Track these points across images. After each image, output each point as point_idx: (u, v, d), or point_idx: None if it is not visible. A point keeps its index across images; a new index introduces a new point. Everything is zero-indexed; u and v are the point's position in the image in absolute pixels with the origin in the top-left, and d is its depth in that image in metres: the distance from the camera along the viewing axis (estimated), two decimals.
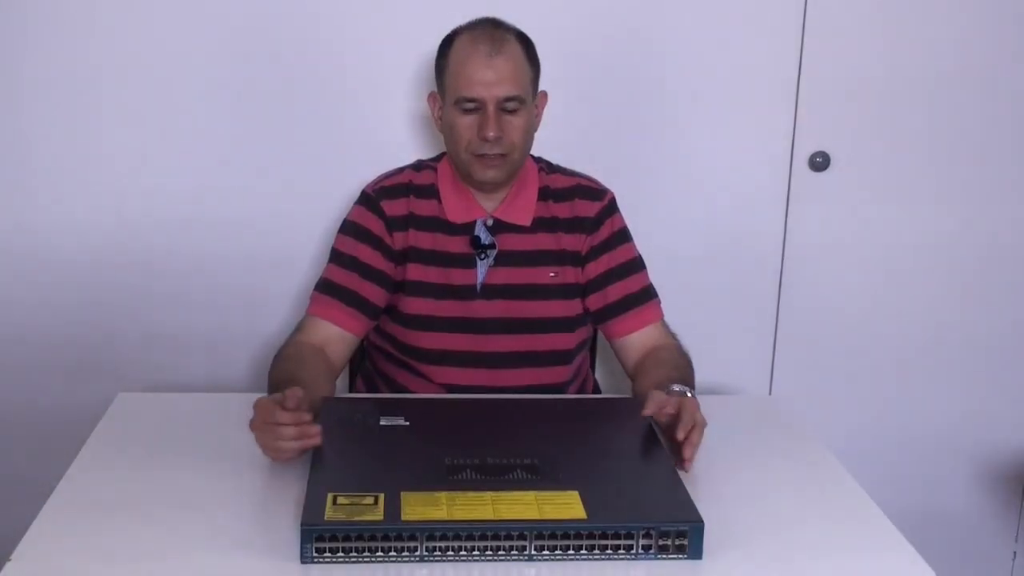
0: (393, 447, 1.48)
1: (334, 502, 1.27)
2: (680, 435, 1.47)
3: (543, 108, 1.87)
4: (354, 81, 2.25)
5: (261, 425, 1.46)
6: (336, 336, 1.80)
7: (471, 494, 1.31)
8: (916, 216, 2.41)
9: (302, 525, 1.24)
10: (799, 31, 2.28)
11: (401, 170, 1.91)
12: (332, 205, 2.07)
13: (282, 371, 1.68)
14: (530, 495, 1.31)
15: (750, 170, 2.36)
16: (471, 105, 1.76)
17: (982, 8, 2.31)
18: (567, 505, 1.29)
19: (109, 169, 2.24)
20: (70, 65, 2.18)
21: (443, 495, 1.30)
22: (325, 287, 1.84)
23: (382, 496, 1.29)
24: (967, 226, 2.42)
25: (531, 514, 1.27)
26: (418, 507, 1.27)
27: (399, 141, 2.24)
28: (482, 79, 1.74)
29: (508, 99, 1.75)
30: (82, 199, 2.25)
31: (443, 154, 1.92)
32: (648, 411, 1.52)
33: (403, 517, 1.25)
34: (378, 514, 1.26)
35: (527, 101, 1.79)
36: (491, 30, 1.78)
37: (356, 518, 1.25)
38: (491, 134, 1.74)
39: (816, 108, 2.32)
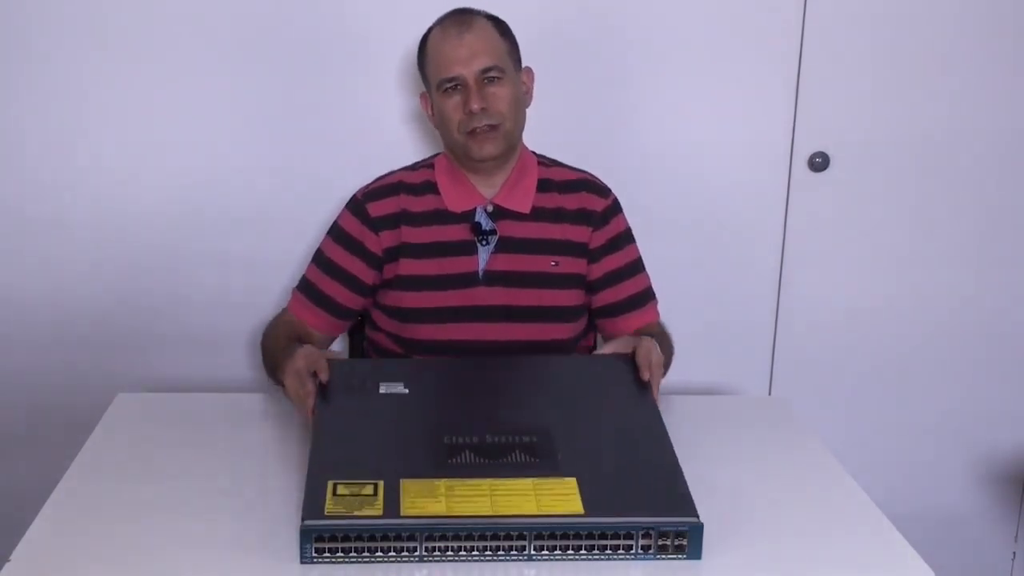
0: (393, 423, 1.48)
1: (334, 492, 1.28)
2: (645, 376, 1.60)
3: (531, 84, 1.92)
4: (354, 81, 2.25)
5: (296, 387, 1.60)
6: (305, 333, 1.88)
7: (470, 482, 1.31)
8: (915, 216, 2.41)
9: (302, 525, 1.24)
10: (799, 31, 2.28)
11: (393, 172, 1.95)
12: (332, 206, 2.06)
13: (279, 340, 1.81)
14: (528, 483, 1.31)
15: (750, 170, 2.36)
16: (452, 84, 1.82)
17: (983, 8, 2.31)
18: (565, 497, 1.29)
19: (107, 170, 2.24)
20: (67, 65, 2.18)
21: (442, 484, 1.30)
22: (300, 284, 1.93)
23: (381, 485, 1.29)
24: (967, 226, 2.42)
25: (529, 508, 1.27)
26: (417, 499, 1.27)
27: (400, 141, 2.24)
28: (457, 57, 1.81)
29: (486, 70, 1.81)
30: (80, 199, 2.24)
31: (438, 154, 1.96)
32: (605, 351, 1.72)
33: (402, 511, 1.26)
34: (377, 507, 1.26)
35: (507, 71, 1.84)
36: (459, 15, 1.86)
37: (356, 513, 1.25)
38: (475, 106, 1.79)
39: (816, 108, 2.32)
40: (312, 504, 1.26)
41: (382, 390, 1.55)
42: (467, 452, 1.38)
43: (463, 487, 1.30)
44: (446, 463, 1.36)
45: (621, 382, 1.60)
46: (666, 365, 1.81)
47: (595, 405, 1.56)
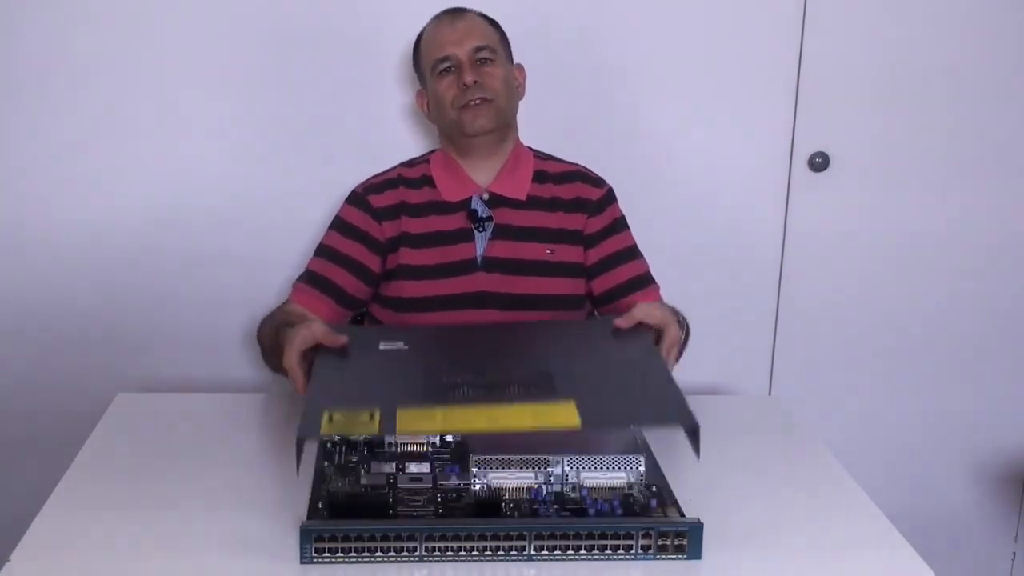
0: (391, 367, 1.50)
1: (330, 419, 1.28)
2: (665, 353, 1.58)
3: (523, 79, 1.97)
4: (352, 81, 2.25)
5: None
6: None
7: (468, 406, 1.33)
8: (915, 217, 2.41)
9: (302, 525, 1.24)
10: (799, 31, 2.28)
11: (391, 168, 1.98)
12: (331, 204, 2.06)
13: (274, 323, 1.78)
14: (527, 407, 1.32)
15: (749, 170, 2.36)
16: (446, 64, 1.87)
17: (982, 7, 2.31)
18: (563, 412, 1.30)
19: (107, 169, 2.24)
20: (68, 64, 2.18)
21: (439, 410, 1.32)
22: (303, 276, 1.92)
23: (377, 411, 1.30)
24: (967, 226, 2.42)
25: (526, 421, 1.28)
26: (413, 421, 1.28)
27: (398, 141, 2.24)
28: (450, 39, 1.87)
29: (478, 49, 1.87)
30: (81, 199, 2.25)
31: (434, 150, 1.99)
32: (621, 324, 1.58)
33: (399, 428, 1.27)
34: (373, 427, 1.27)
35: (499, 53, 1.89)
36: (450, 10, 1.93)
37: (351, 431, 1.28)
38: (468, 78, 1.84)
39: (816, 108, 2.32)
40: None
41: (382, 347, 1.55)
42: (466, 388, 1.38)
43: (460, 410, 1.32)
44: (446, 394, 1.37)
45: (623, 338, 1.59)
46: (682, 349, 1.81)
47: (596, 351, 1.57)
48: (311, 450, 1.48)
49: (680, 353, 1.81)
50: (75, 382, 2.30)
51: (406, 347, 1.55)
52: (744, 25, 2.28)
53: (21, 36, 2.17)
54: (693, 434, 1.27)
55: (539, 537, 1.26)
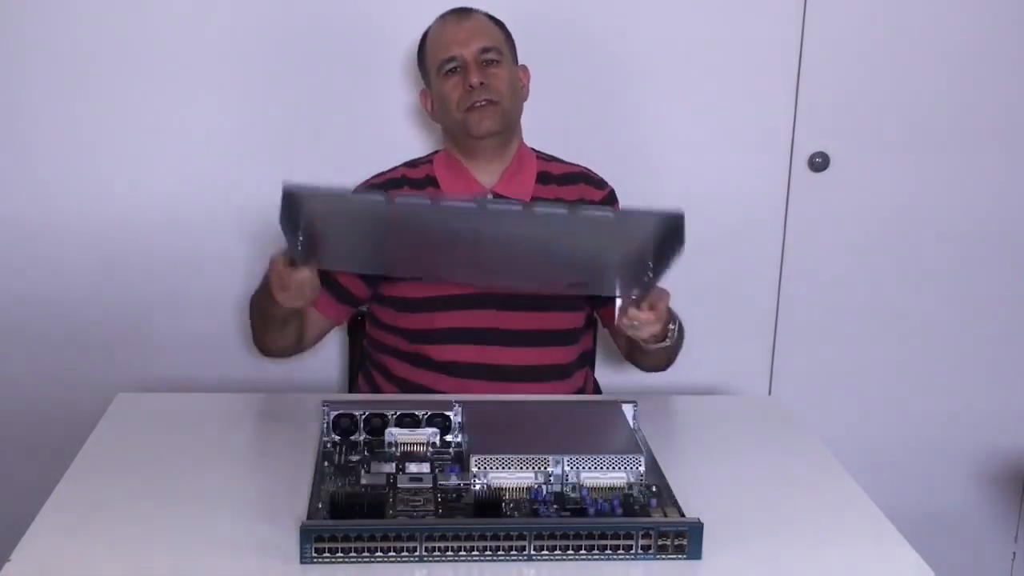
0: None
1: None
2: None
3: (527, 81, 1.96)
4: (355, 80, 2.25)
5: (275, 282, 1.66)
6: (309, 316, 1.87)
7: None
8: (915, 217, 2.41)
9: (302, 525, 1.24)
10: (798, 31, 2.28)
11: (395, 168, 1.97)
12: None
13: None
14: None
15: (749, 171, 2.36)
16: (452, 65, 1.87)
17: (982, 9, 2.31)
18: None
19: (108, 168, 2.24)
20: (70, 62, 2.18)
21: None
22: None
23: None
24: (967, 227, 2.42)
25: None
26: None
27: (401, 140, 2.24)
28: (456, 39, 1.87)
29: (484, 50, 1.86)
30: (81, 198, 2.25)
31: (438, 151, 1.99)
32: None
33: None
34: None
35: (504, 54, 1.89)
36: (456, 10, 1.93)
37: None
38: (474, 79, 1.84)
39: (816, 108, 2.32)
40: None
41: None
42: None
43: None
44: None
45: None
46: (676, 349, 1.83)
47: None
48: (311, 450, 1.48)
49: (675, 355, 1.82)
50: (75, 382, 2.30)
51: None
52: (744, 25, 2.28)
53: (23, 35, 2.16)
54: (678, 221, 1.33)
55: (539, 537, 1.26)
